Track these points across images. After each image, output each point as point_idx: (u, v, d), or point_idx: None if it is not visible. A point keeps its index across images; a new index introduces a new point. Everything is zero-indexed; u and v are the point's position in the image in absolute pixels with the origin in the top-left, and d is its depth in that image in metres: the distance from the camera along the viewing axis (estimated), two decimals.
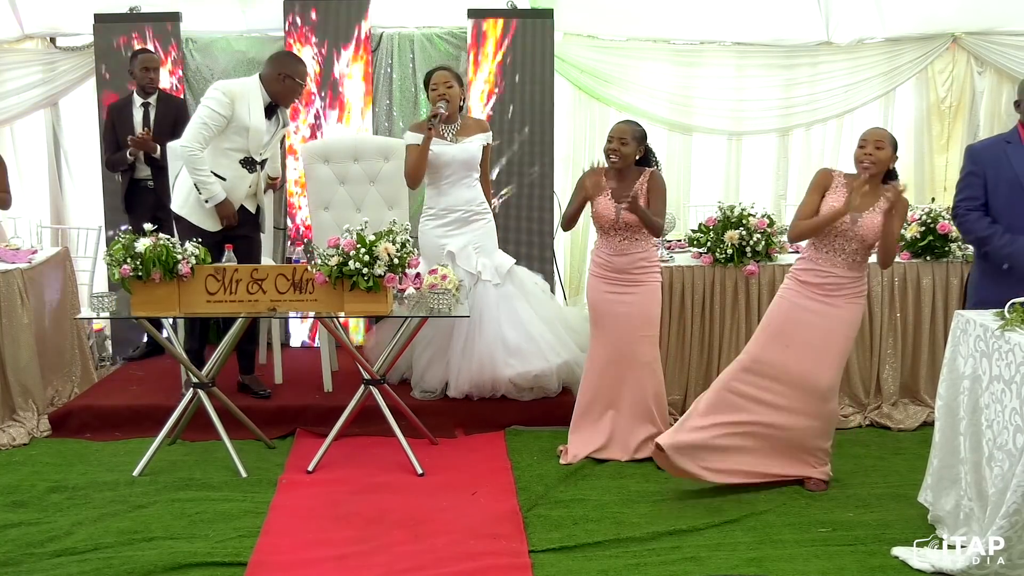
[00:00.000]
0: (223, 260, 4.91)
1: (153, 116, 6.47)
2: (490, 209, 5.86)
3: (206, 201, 5.32)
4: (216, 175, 5.36)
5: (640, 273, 5.01)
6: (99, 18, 6.92)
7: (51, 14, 7.10)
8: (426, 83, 5.72)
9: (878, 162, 4.42)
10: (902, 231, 5.76)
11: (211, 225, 5.43)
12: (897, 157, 4.50)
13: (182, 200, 5.49)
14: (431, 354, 5.77)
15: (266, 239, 6.19)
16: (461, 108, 5.76)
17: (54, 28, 7.20)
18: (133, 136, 6.28)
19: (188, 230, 5.37)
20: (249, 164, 5.45)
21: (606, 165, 4.99)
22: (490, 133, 5.81)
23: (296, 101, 5.79)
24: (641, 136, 4.99)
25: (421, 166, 5.58)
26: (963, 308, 4.57)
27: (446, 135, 5.64)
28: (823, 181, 4.58)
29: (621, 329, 5.04)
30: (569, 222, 5.19)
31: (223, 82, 5.51)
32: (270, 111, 5.47)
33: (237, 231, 5.48)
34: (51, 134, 7.43)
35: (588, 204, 5.06)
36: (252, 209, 5.62)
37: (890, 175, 4.52)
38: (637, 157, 4.98)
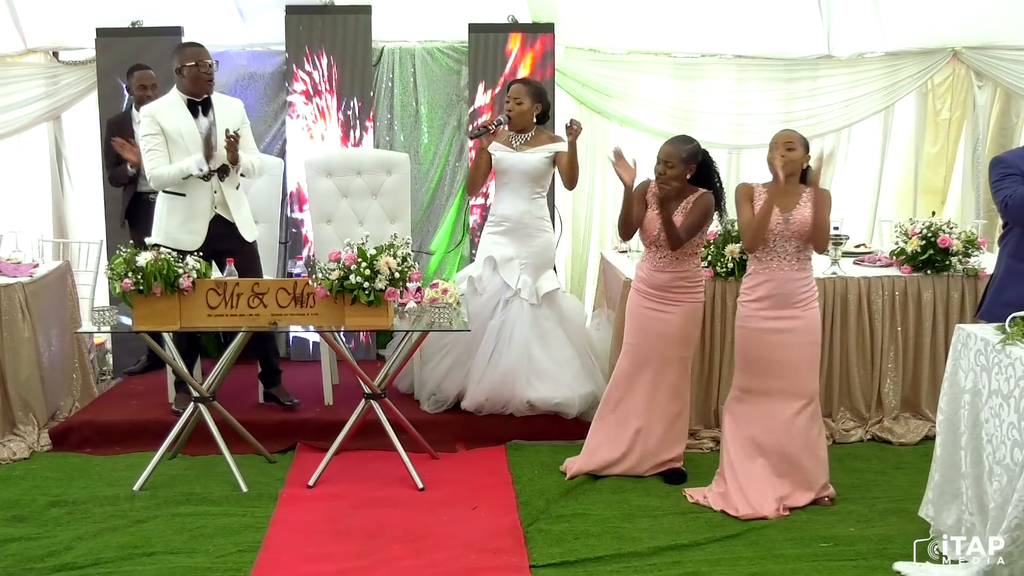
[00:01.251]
0: (224, 274, 4.91)
1: None
2: (550, 228, 5.81)
3: (201, 171, 5.25)
4: (175, 192, 5.40)
5: (679, 292, 4.91)
6: (101, 32, 6.94)
7: (54, 28, 7.12)
8: (505, 92, 5.77)
9: (790, 163, 4.57)
10: (903, 245, 5.79)
11: (189, 243, 5.36)
12: (809, 156, 4.64)
13: (156, 231, 5.45)
14: (451, 362, 5.72)
15: (268, 252, 6.17)
16: (539, 121, 5.69)
17: (57, 42, 7.22)
18: (116, 139, 6.22)
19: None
20: (205, 178, 5.36)
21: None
22: (564, 143, 5.59)
23: (210, 85, 5.52)
24: (690, 155, 4.80)
25: (475, 172, 5.72)
26: (977, 315, 4.67)
27: (513, 143, 5.65)
28: (747, 192, 4.72)
29: (653, 347, 4.96)
30: (625, 226, 5.00)
31: (143, 109, 5.54)
32: (196, 110, 5.42)
33: (219, 244, 5.38)
34: (53, 148, 7.43)
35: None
36: (229, 219, 5.52)
37: (804, 176, 4.67)
38: (688, 176, 4.82)
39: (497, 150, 5.65)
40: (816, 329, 4.73)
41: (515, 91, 5.63)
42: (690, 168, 4.82)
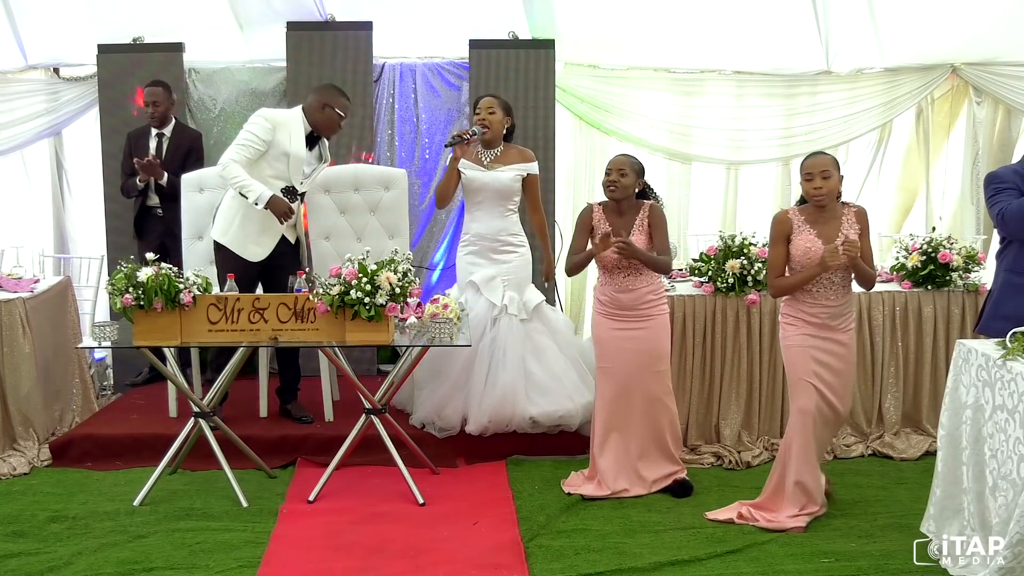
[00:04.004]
0: (224, 289, 4.92)
1: (166, 146, 6.53)
2: (526, 243, 5.79)
3: (255, 203, 5.30)
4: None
5: (647, 307, 4.95)
6: (102, 49, 6.97)
7: (55, 45, 7.15)
8: (474, 107, 5.76)
9: (829, 192, 4.49)
10: (904, 261, 5.80)
11: (253, 254, 5.51)
12: (842, 176, 4.58)
13: (224, 229, 5.54)
14: (447, 390, 5.64)
15: None
16: (508, 137, 5.71)
17: (58, 59, 7.25)
18: (139, 160, 6.32)
19: (229, 260, 5.42)
20: (290, 193, 5.48)
21: (596, 203, 5.00)
22: (534, 164, 5.69)
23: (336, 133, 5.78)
24: (640, 169, 4.96)
25: (447, 185, 5.68)
26: (976, 329, 4.68)
27: (483, 160, 5.65)
28: (782, 230, 4.60)
29: (631, 366, 4.97)
30: (574, 269, 5.11)
31: (267, 109, 5.64)
32: (311, 142, 5.55)
33: (277, 260, 5.55)
34: (54, 163, 7.45)
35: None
36: (292, 239, 5.69)
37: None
38: (636, 190, 4.95)
39: (467, 168, 5.63)
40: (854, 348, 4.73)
41: (487, 103, 5.64)
42: (640, 181, 4.94)
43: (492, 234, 5.67)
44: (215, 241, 5.61)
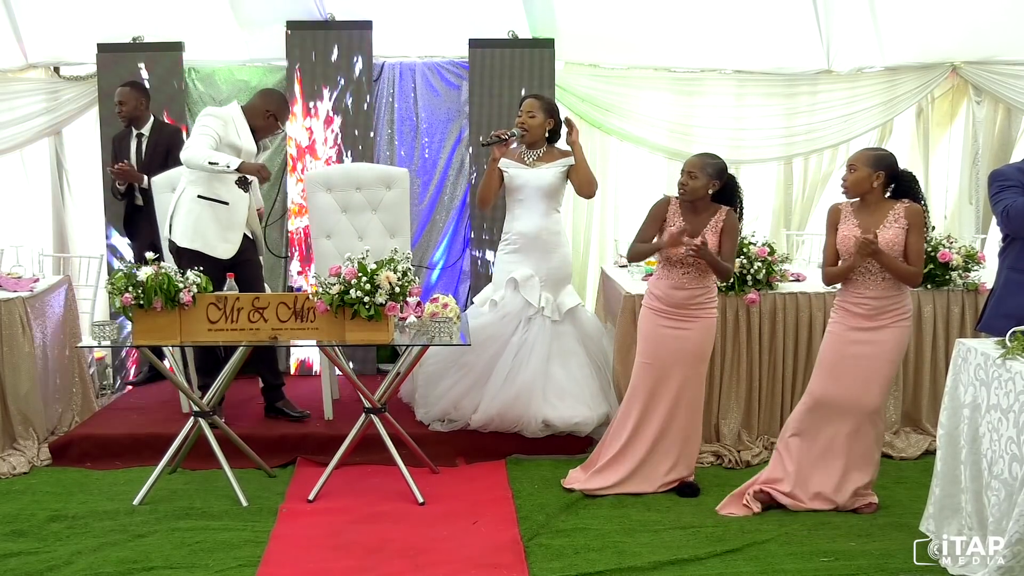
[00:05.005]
0: (225, 288, 4.91)
1: (145, 146, 6.53)
2: (567, 241, 5.79)
3: (227, 167, 5.24)
4: (218, 200, 5.44)
5: (697, 308, 4.89)
6: (102, 48, 6.97)
7: (55, 44, 7.15)
8: (520, 104, 5.76)
9: (852, 184, 4.58)
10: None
11: (225, 252, 5.49)
12: (879, 173, 4.55)
13: (188, 234, 5.46)
14: (469, 383, 5.62)
15: (268, 267, 6.21)
16: (550, 138, 5.68)
17: (58, 58, 7.25)
18: (111, 167, 6.34)
19: (195, 262, 5.36)
20: (243, 184, 5.45)
21: (674, 196, 4.92)
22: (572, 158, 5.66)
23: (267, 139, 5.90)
24: (716, 170, 4.82)
25: (487, 185, 5.70)
26: (977, 327, 4.69)
27: (526, 159, 5.65)
28: (832, 219, 4.72)
29: (671, 364, 4.94)
30: (637, 257, 5.07)
31: (212, 107, 5.72)
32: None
33: (242, 256, 5.55)
34: (54, 162, 7.45)
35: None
36: (248, 233, 5.67)
37: (902, 191, 4.62)
38: (711, 191, 4.82)
39: (510, 167, 5.64)
40: (899, 347, 4.70)
41: (528, 105, 5.63)
42: (713, 183, 4.82)
43: (535, 232, 5.65)
44: (178, 247, 5.50)
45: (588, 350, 5.74)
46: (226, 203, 5.47)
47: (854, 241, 4.51)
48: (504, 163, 5.65)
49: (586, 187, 5.65)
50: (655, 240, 4.91)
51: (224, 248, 5.49)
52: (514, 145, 5.66)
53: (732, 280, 5.49)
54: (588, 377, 5.65)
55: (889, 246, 4.50)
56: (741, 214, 4.93)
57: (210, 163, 5.24)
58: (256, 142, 5.62)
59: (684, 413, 4.99)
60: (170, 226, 5.57)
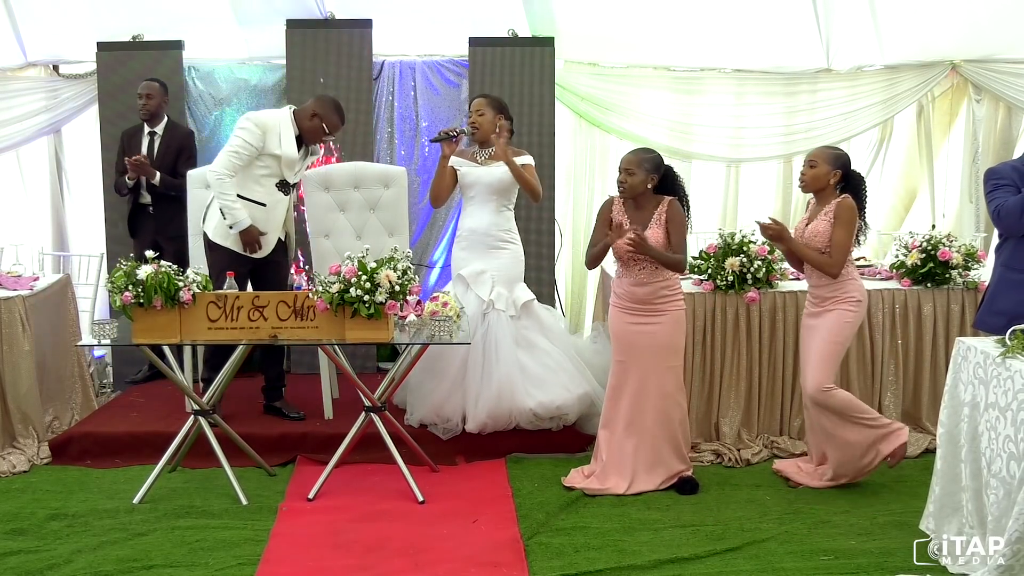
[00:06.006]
0: (224, 287, 4.91)
1: (158, 145, 6.53)
2: (518, 240, 5.78)
3: (230, 227, 5.40)
4: (254, 201, 5.49)
5: (663, 302, 4.93)
6: (102, 46, 6.97)
7: (54, 42, 7.15)
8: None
9: (809, 180, 4.91)
10: (903, 259, 5.80)
11: (258, 252, 5.58)
12: (836, 170, 4.88)
13: (215, 226, 5.57)
14: (445, 388, 5.63)
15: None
16: (509, 136, 5.65)
17: (57, 56, 7.25)
18: (129, 158, 6.34)
19: (226, 257, 5.46)
20: (284, 187, 5.55)
21: (617, 196, 4.99)
22: (525, 155, 5.67)
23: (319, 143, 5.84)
24: (653, 165, 4.89)
25: (438, 183, 5.73)
26: (973, 324, 4.74)
27: (478, 158, 5.67)
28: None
29: (646, 360, 4.96)
30: (593, 261, 5.12)
31: (254, 113, 5.65)
32: (300, 141, 5.61)
33: (272, 256, 5.63)
34: (54, 161, 7.45)
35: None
36: (282, 235, 5.74)
37: (851, 189, 4.93)
38: (649, 186, 4.89)
39: (462, 165, 5.67)
40: (835, 328, 4.91)
41: (476, 104, 5.67)
42: (651, 178, 4.90)
43: (484, 229, 5.67)
44: (208, 240, 5.63)
45: (551, 339, 5.76)
46: (263, 204, 5.53)
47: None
48: (456, 161, 5.68)
49: (531, 194, 5.65)
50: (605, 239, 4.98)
51: (260, 249, 5.58)
52: (464, 143, 5.70)
53: (731, 278, 5.50)
54: (558, 362, 5.66)
55: (812, 236, 4.87)
56: (686, 203, 5.01)
57: (220, 207, 5.42)
58: (304, 146, 5.64)
59: (667, 406, 5.00)
60: (204, 218, 5.69)
